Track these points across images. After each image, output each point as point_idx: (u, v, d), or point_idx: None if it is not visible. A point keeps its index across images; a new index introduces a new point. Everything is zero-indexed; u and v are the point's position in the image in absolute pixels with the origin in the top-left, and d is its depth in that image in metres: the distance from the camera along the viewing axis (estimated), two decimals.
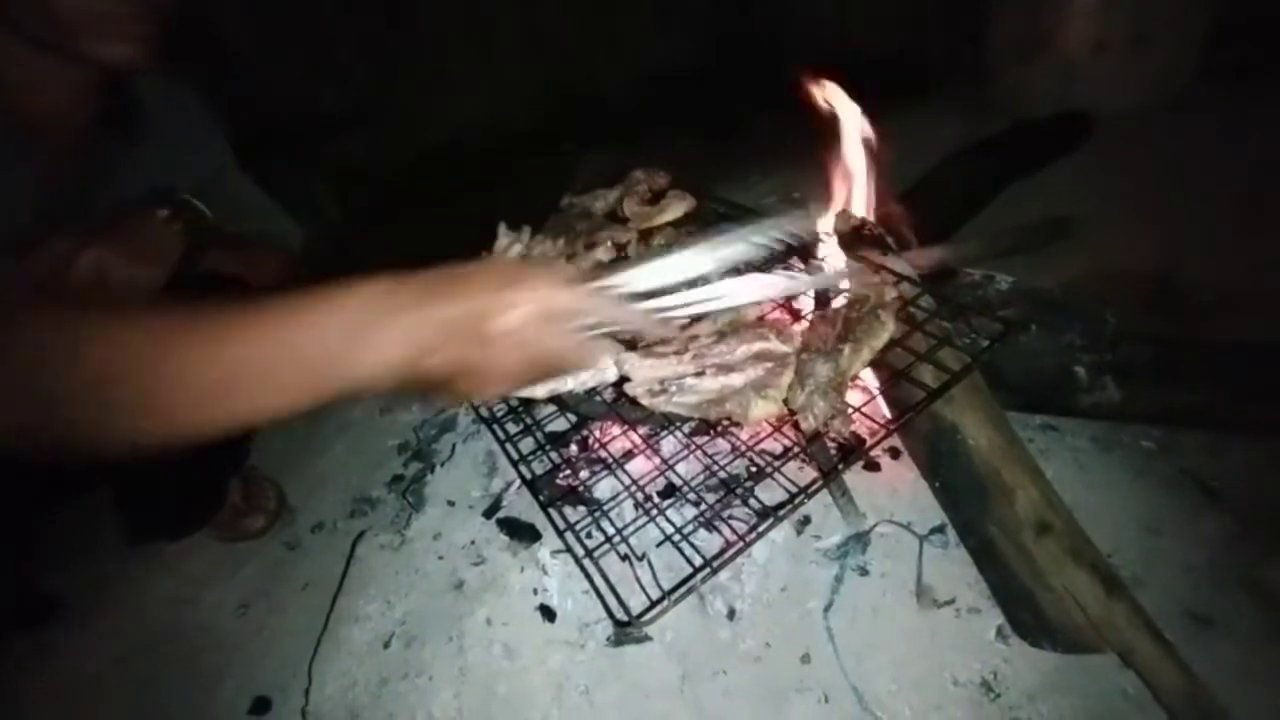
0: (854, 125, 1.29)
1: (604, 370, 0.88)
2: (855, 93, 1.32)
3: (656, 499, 0.96)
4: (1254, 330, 1.21)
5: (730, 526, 0.95)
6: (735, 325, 0.93)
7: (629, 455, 1.00)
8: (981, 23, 2.41)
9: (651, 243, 1.16)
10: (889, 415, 0.95)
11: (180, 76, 1.09)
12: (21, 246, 0.80)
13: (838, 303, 0.99)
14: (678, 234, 1.17)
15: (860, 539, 1.02)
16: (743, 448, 0.92)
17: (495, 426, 0.94)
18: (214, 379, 0.48)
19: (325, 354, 0.50)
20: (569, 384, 0.88)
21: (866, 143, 1.29)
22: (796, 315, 1.08)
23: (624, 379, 0.88)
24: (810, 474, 0.90)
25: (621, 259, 1.01)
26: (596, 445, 1.08)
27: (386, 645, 1.03)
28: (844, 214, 1.22)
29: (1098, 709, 0.85)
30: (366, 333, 0.51)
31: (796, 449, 0.86)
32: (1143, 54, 2.18)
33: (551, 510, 0.81)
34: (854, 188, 1.31)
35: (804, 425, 0.78)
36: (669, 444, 1.00)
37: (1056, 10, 2.21)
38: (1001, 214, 1.73)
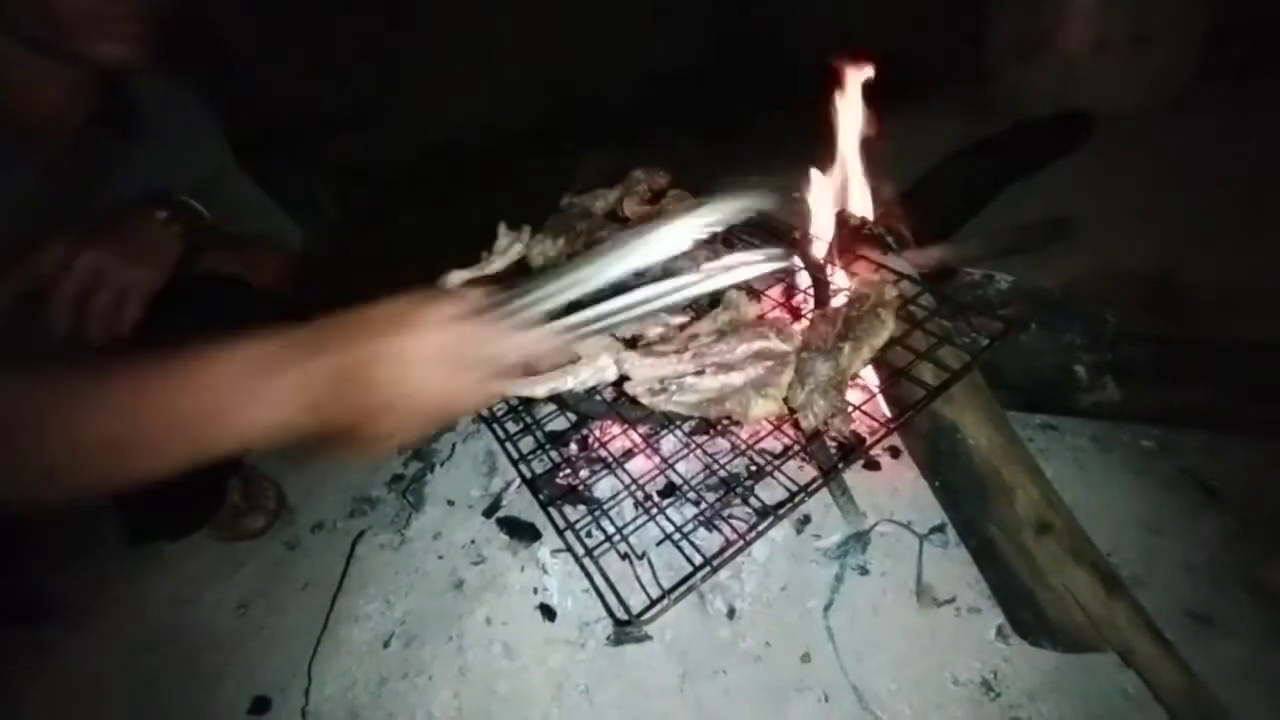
0: (854, 124, 1.29)
1: (604, 369, 0.88)
2: (855, 92, 1.32)
3: (656, 498, 0.96)
4: (1254, 330, 1.21)
5: (730, 525, 0.95)
6: (735, 324, 0.93)
7: (629, 454, 1.00)
8: (981, 23, 2.42)
9: None
10: (889, 414, 0.95)
11: (179, 76, 1.09)
12: (18, 248, 0.80)
13: (838, 301, 0.99)
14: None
15: (860, 538, 1.02)
16: (743, 446, 0.92)
17: (495, 425, 0.94)
18: (96, 439, 0.48)
19: (208, 414, 0.50)
20: (569, 383, 0.88)
21: (866, 141, 1.29)
22: (797, 314, 1.08)
23: (624, 378, 0.88)
24: (810, 473, 0.91)
25: (541, 271, 0.93)
26: (596, 444, 1.08)
27: (386, 645, 1.03)
28: (844, 213, 1.22)
29: (1098, 708, 0.84)
30: (251, 391, 0.50)
31: (796, 447, 0.86)
32: (1143, 54, 2.19)
33: (551, 509, 0.81)
34: (854, 187, 1.31)
35: (804, 424, 0.78)
36: (669, 443, 1.00)
37: (1056, 10, 2.21)
38: (1001, 214, 1.73)
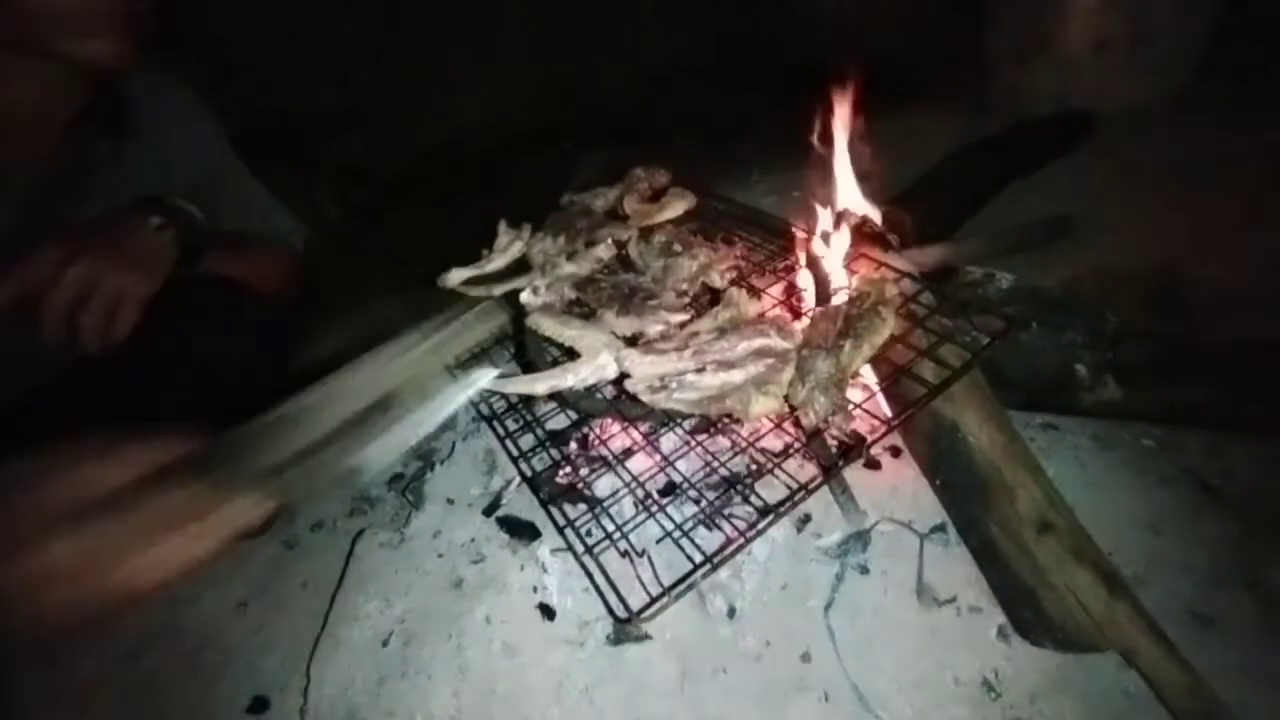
0: (854, 123, 1.29)
1: (604, 366, 0.88)
2: (856, 92, 1.32)
3: (656, 496, 0.96)
4: (1254, 330, 1.21)
5: (730, 523, 0.95)
6: (736, 321, 0.93)
7: (629, 452, 1.00)
8: (981, 22, 2.42)
9: (651, 240, 1.16)
10: (889, 412, 0.95)
11: (178, 74, 1.09)
12: (7, 252, 0.79)
13: (839, 299, 0.99)
14: (677, 232, 1.17)
15: (861, 537, 1.02)
16: (743, 444, 0.91)
17: (495, 423, 0.94)
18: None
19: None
20: (569, 380, 0.88)
21: (866, 141, 1.29)
22: (797, 311, 1.08)
23: (624, 375, 0.88)
24: (811, 471, 0.91)
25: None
26: (596, 442, 1.08)
27: (385, 644, 1.03)
28: (845, 212, 1.22)
29: (1099, 708, 0.84)
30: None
31: (797, 445, 0.86)
32: (1143, 53, 2.19)
33: (551, 507, 0.81)
34: (854, 186, 1.31)
35: (804, 421, 0.78)
36: (669, 441, 1.00)
37: (1056, 10, 2.21)
38: (1002, 213, 1.73)
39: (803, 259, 1.14)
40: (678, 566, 0.74)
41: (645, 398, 0.84)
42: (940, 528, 1.02)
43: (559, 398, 0.93)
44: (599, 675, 0.93)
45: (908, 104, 2.30)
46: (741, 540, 0.75)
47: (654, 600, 0.69)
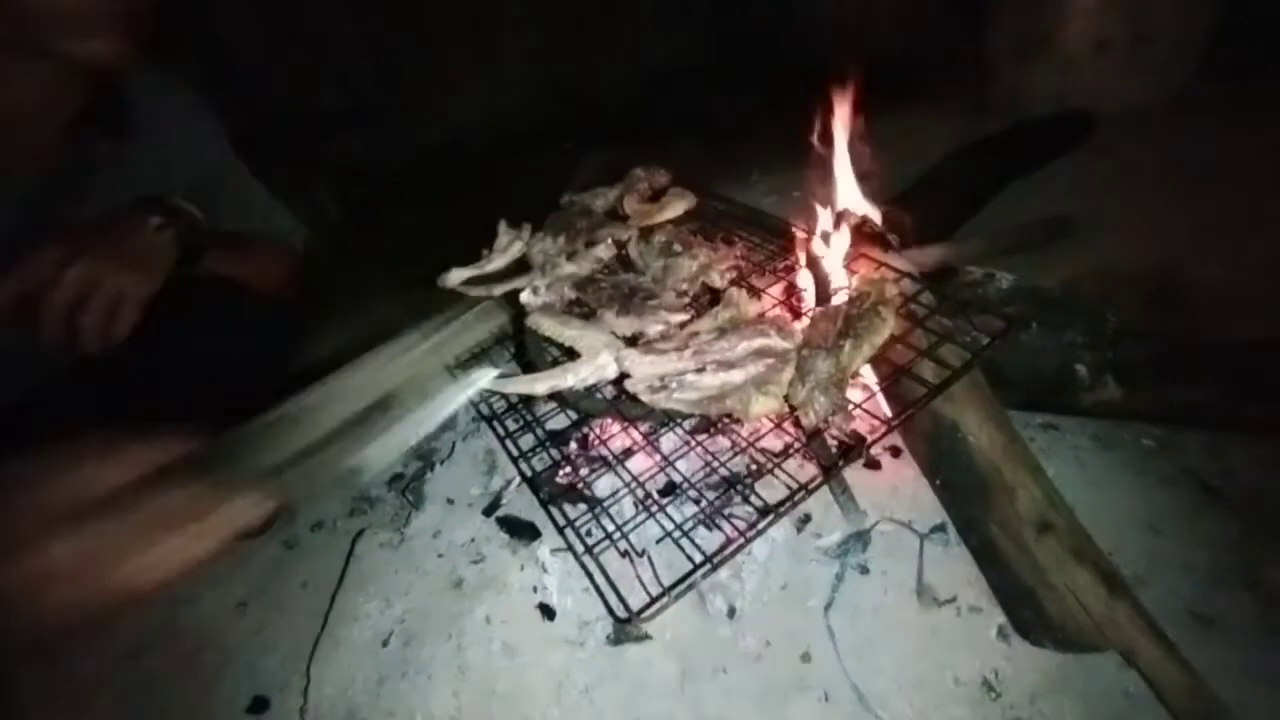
0: (854, 123, 1.29)
1: (604, 366, 0.88)
2: (856, 92, 1.32)
3: (656, 496, 0.96)
4: (1254, 330, 1.21)
5: (730, 523, 0.95)
6: (736, 321, 0.93)
7: (629, 452, 1.00)
8: (981, 22, 2.42)
9: (651, 240, 1.16)
10: (889, 413, 0.95)
11: (178, 74, 1.09)
12: (7, 252, 0.79)
13: (839, 299, 0.99)
14: (677, 232, 1.17)
15: (861, 537, 1.02)
16: (743, 444, 0.91)
17: (495, 423, 0.94)
18: None
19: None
20: (569, 380, 0.88)
21: (866, 140, 1.29)
22: (797, 311, 1.08)
23: (624, 375, 0.88)
24: (811, 471, 0.91)
25: None
26: (596, 442, 1.08)
27: (385, 644, 1.03)
28: (845, 212, 1.22)
29: (1100, 708, 0.84)
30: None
31: (797, 445, 0.86)
32: (1143, 53, 2.19)
33: (551, 507, 0.81)
34: (854, 186, 1.31)
35: (805, 421, 0.78)
36: (669, 441, 1.00)
37: (1056, 10, 2.21)
38: (1002, 213, 1.73)
39: (803, 259, 1.14)
40: (678, 566, 0.74)
41: (645, 398, 0.84)
42: (940, 528, 1.02)
43: (559, 398, 0.93)
44: (599, 675, 0.93)
45: (908, 104, 2.30)
46: (741, 540, 0.75)
47: (654, 600, 0.69)
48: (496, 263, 1.21)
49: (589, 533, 0.86)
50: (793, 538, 1.03)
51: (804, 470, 1.02)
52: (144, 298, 0.84)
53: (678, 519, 0.81)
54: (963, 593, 0.95)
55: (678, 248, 1.11)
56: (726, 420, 0.87)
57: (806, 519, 1.05)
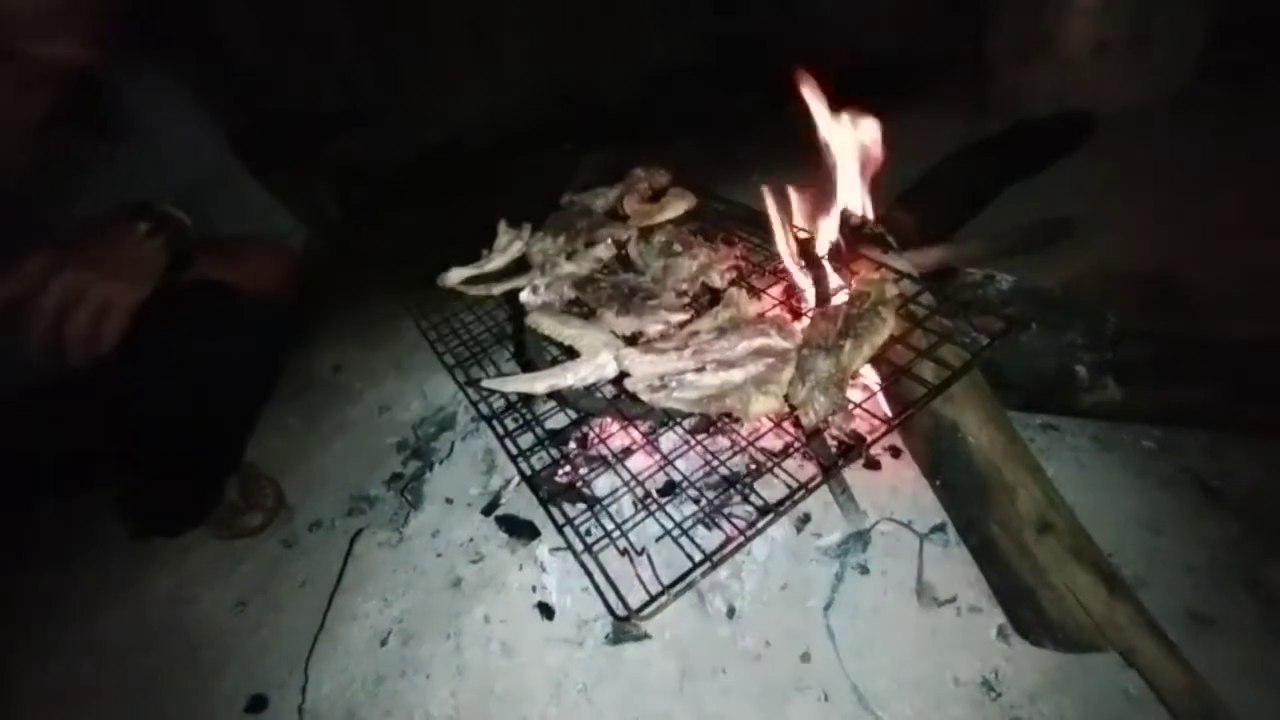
0: (854, 123, 1.28)
1: (604, 365, 0.88)
2: (854, 92, 1.32)
3: (656, 495, 0.96)
4: (1254, 330, 1.21)
5: (730, 522, 0.95)
6: (736, 321, 0.93)
7: (628, 451, 1.00)
8: (981, 23, 2.42)
9: (651, 240, 1.16)
10: (889, 413, 0.95)
11: (171, 74, 1.07)
12: None
13: (839, 299, 0.99)
14: (677, 232, 1.17)
15: (860, 537, 1.02)
16: (743, 444, 0.91)
17: (494, 422, 0.93)
18: None
19: None
20: (568, 379, 0.88)
21: (866, 141, 1.29)
22: (797, 312, 1.08)
23: (624, 374, 0.88)
24: (810, 470, 0.90)
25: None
26: (596, 441, 1.08)
27: (384, 643, 1.03)
28: (845, 212, 1.22)
29: (1099, 709, 0.84)
30: None
31: (797, 445, 0.86)
32: (1143, 54, 2.19)
33: (550, 506, 0.81)
34: (854, 186, 1.30)
35: (804, 421, 0.78)
36: (669, 440, 1.00)
37: (1057, 10, 2.21)
38: (1002, 214, 1.73)
39: (803, 260, 1.14)
40: (677, 565, 0.74)
41: (645, 397, 0.84)
42: (940, 528, 1.02)
43: (558, 397, 0.93)
44: (598, 674, 0.93)
45: (908, 104, 2.30)
46: (741, 539, 0.75)
47: (653, 599, 0.68)
48: (496, 262, 1.21)
49: (588, 531, 0.86)
50: (792, 537, 1.03)
51: (804, 470, 1.02)
52: (131, 307, 0.83)
53: (677, 518, 0.81)
54: (963, 593, 0.95)
55: (678, 248, 1.11)
56: (726, 419, 0.87)
57: (806, 519, 1.05)
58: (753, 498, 0.82)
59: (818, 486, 0.80)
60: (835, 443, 0.94)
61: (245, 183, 1.18)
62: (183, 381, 0.99)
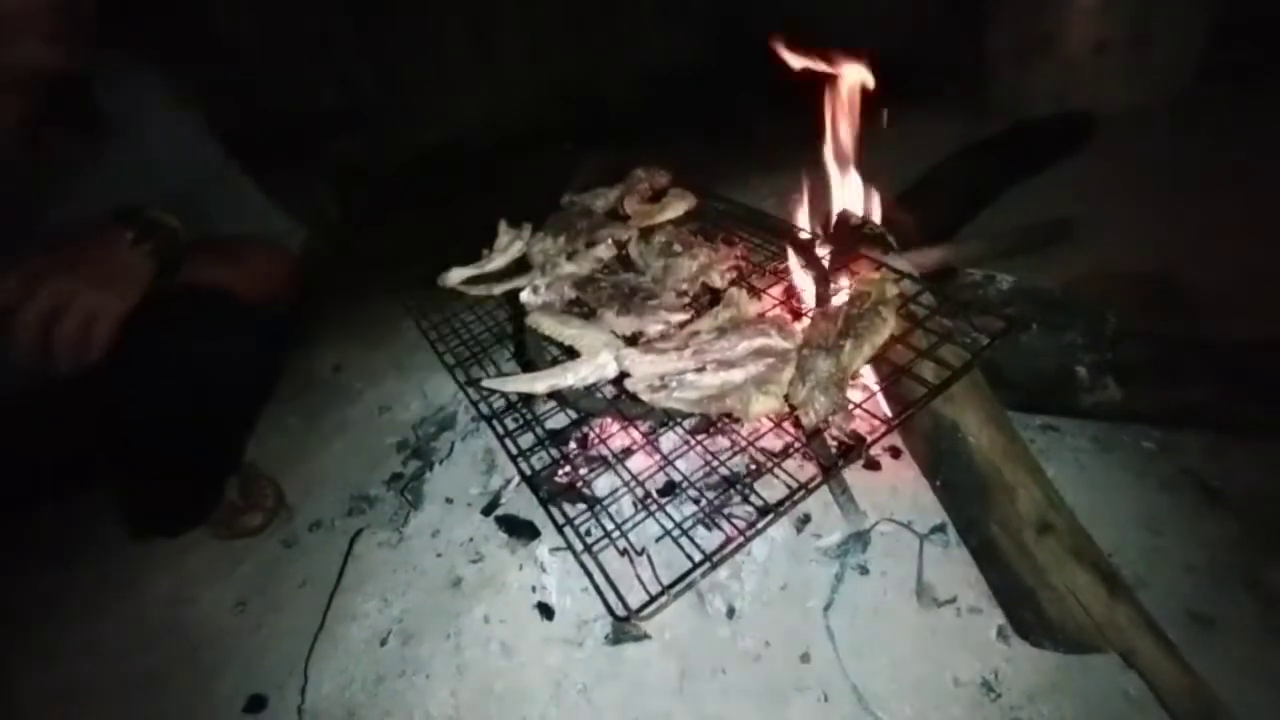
0: (854, 124, 1.29)
1: (604, 365, 0.88)
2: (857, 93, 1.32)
3: (656, 495, 0.96)
4: (1254, 330, 1.21)
5: (730, 522, 0.95)
6: (736, 321, 0.93)
7: (628, 451, 0.99)
8: (982, 23, 2.42)
9: (652, 240, 1.16)
10: (889, 413, 0.95)
11: (161, 74, 1.06)
12: None
13: (839, 299, 0.99)
14: (678, 232, 1.17)
15: (860, 537, 1.02)
16: (743, 444, 0.91)
17: (494, 422, 0.93)
18: None
19: None
20: (569, 379, 0.88)
21: (866, 141, 1.29)
22: (797, 312, 1.08)
23: (624, 374, 0.88)
24: (810, 471, 0.90)
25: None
26: (596, 441, 1.08)
27: (384, 643, 1.03)
28: (845, 213, 1.22)
29: (1099, 709, 0.84)
30: None
31: (797, 445, 0.86)
32: (1143, 55, 2.19)
33: (550, 506, 0.81)
34: (854, 186, 1.31)
35: (805, 421, 0.78)
36: (669, 440, 1.00)
37: (1057, 11, 2.21)
38: (1002, 214, 1.73)
39: (803, 260, 1.14)
40: (677, 565, 0.74)
41: (645, 397, 0.84)
42: (940, 528, 1.02)
43: (559, 397, 0.93)
44: (597, 675, 0.93)
45: (908, 105, 2.30)
46: (741, 539, 0.75)
47: (653, 599, 0.68)
48: (497, 262, 1.21)
49: (588, 532, 0.86)
50: (792, 538, 1.03)
51: (804, 470, 1.02)
52: (118, 315, 0.82)
53: (677, 518, 0.81)
54: (962, 593, 0.95)
55: (678, 248, 1.11)
56: (726, 420, 0.87)
57: (806, 519, 1.05)
58: (753, 498, 0.82)
59: (818, 487, 0.80)
60: (835, 443, 0.94)
61: (242, 183, 1.18)
62: (178, 384, 0.98)
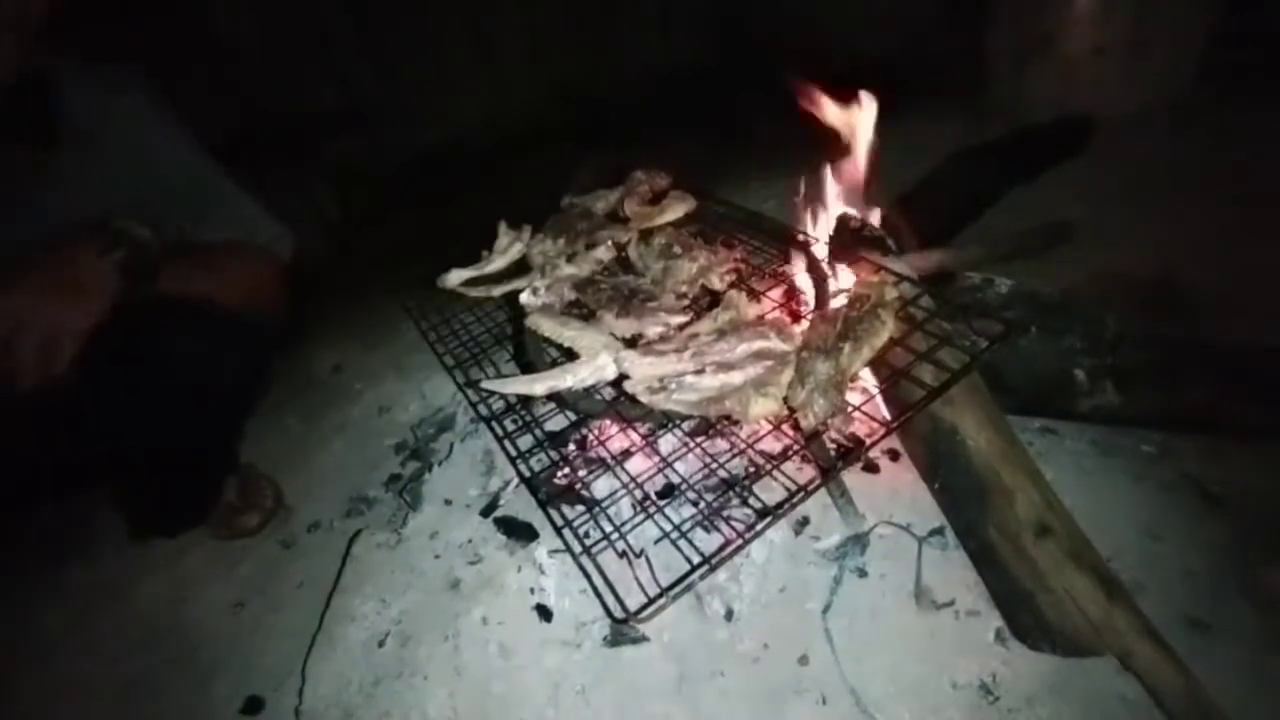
0: (854, 126, 1.29)
1: (603, 367, 0.88)
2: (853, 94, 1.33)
3: (654, 497, 0.96)
4: (1254, 333, 1.21)
5: (729, 525, 0.95)
6: (735, 323, 0.93)
7: (627, 453, 0.99)
8: (981, 26, 2.42)
9: (651, 242, 1.16)
10: (888, 416, 0.95)
11: (130, 79, 1.03)
12: None
13: (838, 302, 0.99)
14: (677, 234, 1.17)
15: (859, 540, 1.02)
16: (742, 446, 0.91)
17: (493, 424, 0.93)
18: None
19: None
20: (568, 381, 0.88)
21: (865, 144, 1.29)
22: (796, 314, 1.08)
23: (623, 376, 0.88)
24: (809, 473, 0.90)
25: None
26: (595, 443, 1.08)
27: (381, 644, 1.03)
28: (844, 215, 1.22)
29: (1097, 713, 0.84)
30: None
31: (796, 448, 0.86)
32: (1142, 59, 2.19)
33: (549, 508, 0.81)
34: (853, 189, 1.31)
35: (803, 423, 0.78)
36: (668, 442, 1.00)
37: (1056, 13, 2.21)
38: (1002, 218, 1.73)
39: (803, 262, 1.14)
40: (675, 568, 0.74)
41: (644, 399, 0.84)
42: (938, 531, 1.02)
43: (558, 398, 0.93)
44: (595, 677, 0.93)
45: (907, 107, 2.30)
46: (740, 542, 0.75)
47: (652, 601, 0.68)
48: (496, 263, 1.21)
49: (587, 534, 0.86)
50: (791, 540, 1.03)
51: (802, 472, 1.02)
52: (81, 331, 0.81)
53: (676, 520, 0.81)
54: (961, 596, 0.95)
55: (677, 250, 1.11)
56: (725, 422, 0.87)
57: (805, 522, 1.05)
58: (751, 500, 0.82)
59: (816, 489, 0.80)
60: (834, 445, 0.94)
61: (225, 189, 1.13)
62: (152, 393, 0.96)
